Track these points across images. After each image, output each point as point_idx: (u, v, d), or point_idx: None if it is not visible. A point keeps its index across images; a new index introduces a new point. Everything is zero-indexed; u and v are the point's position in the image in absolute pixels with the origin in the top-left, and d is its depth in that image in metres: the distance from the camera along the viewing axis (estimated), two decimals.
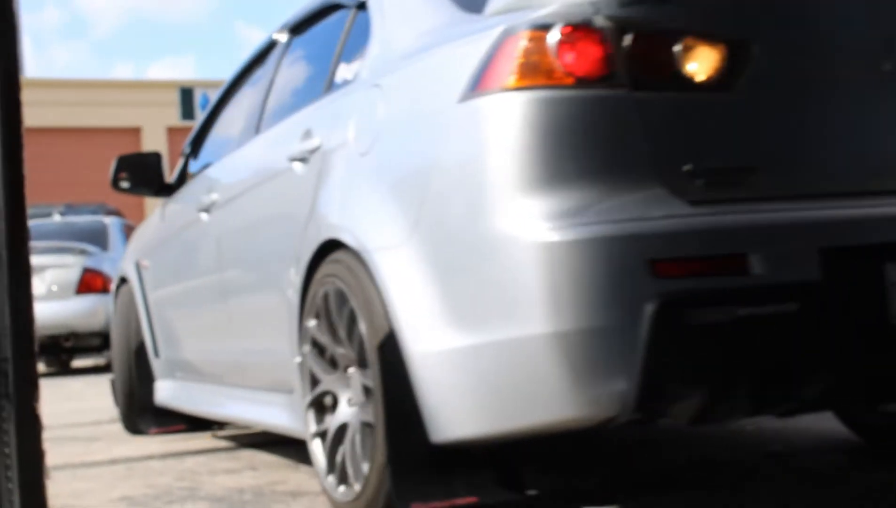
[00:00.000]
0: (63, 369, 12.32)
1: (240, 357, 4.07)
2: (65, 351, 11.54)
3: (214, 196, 4.24)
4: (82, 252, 11.33)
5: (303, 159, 3.34)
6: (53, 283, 11.02)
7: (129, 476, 4.04)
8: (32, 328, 1.72)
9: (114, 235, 12.26)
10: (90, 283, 11.20)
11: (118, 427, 5.67)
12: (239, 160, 4.19)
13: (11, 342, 1.70)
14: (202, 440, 5.03)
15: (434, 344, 2.53)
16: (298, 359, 3.20)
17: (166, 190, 5.12)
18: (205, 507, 3.30)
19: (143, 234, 5.69)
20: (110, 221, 12.65)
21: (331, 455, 2.99)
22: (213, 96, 4.92)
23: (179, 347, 4.92)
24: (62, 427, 5.80)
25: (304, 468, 3.95)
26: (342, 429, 2.98)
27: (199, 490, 3.63)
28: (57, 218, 13.05)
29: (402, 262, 2.63)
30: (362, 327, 2.77)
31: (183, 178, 5.10)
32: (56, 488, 3.68)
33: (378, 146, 2.87)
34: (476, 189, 2.42)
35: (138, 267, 5.40)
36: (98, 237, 12.01)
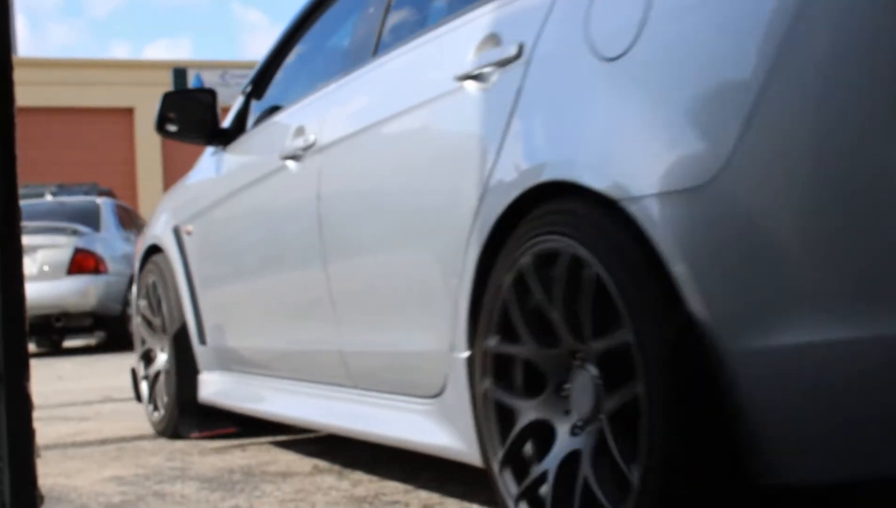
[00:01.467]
0: (54, 349, 12.31)
1: (345, 348, 3.14)
2: (56, 331, 11.55)
3: (310, 138, 3.25)
4: (74, 232, 11.32)
5: (479, 77, 2.46)
6: (45, 263, 11.01)
7: (120, 456, 4.05)
8: (23, 308, 1.73)
9: (106, 215, 12.24)
10: (82, 263, 11.19)
11: (109, 407, 5.69)
12: (352, 90, 3.21)
13: (2, 322, 1.70)
14: None
15: (798, 336, 1.68)
16: (463, 354, 2.44)
17: (221, 137, 4.15)
18: (195, 487, 3.32)
19: (183, 194, 4.59)
20: (102, 201, 12.63)
21: None
22: (283, 27, 4.03)
23: (240, 332, 3.98)
24: (53, 407, 5.81)
25: (293, 448, 3.96)
26: (563, 476, 2.11)
27: (190, 469, 3.64)
28: (49, 198, 13.02)
29: (710, 216, 1.79)
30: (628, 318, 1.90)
31: (242, 122, 4.12)
32: (46, 468, 3.69)
33: (647, 41, 1.95)
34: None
35: (178, 234, 4.38)
36: (90, 218, 11.98)
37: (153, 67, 26.61)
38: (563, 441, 2.13)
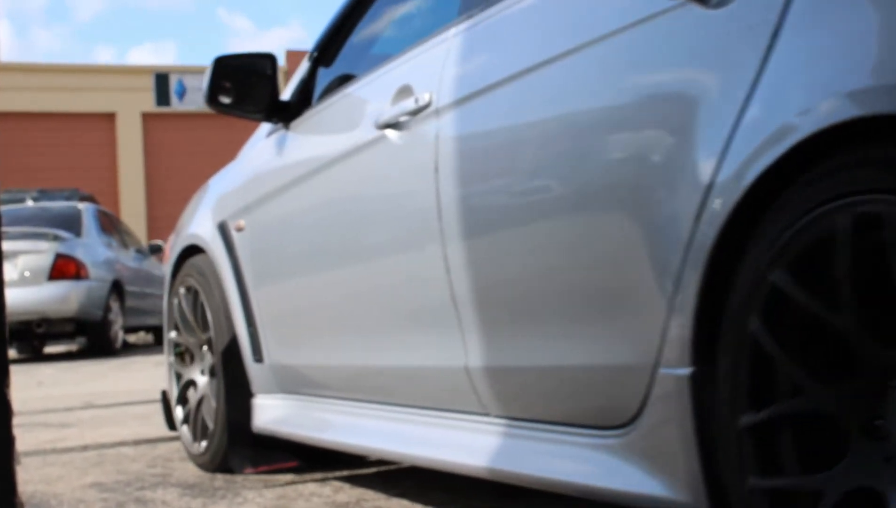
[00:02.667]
0: (35, 355, 12.26)
1: (474, 363, 2.39)
2: (37, 337, 11.50)
3: (421, 98, 2.51)
4: (55, 238, 11.28)
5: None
6: (26, 269, 10.97)
7: (101, 462, 4.04)
8: (3, 313, 1.72)
9: (87, 221, 12.21)
10: (63, 269, 11.15)
11: (90, 414, 5.66)
12: (487, 33, 2.40)
13: None
14: None
15: None
16: (682, 371, 1.78)
17: (283, 112, 3.36)
18: (176, 494, 3.31)
19: (231, 183, 3.75)
20: (84, 207, 12.59)
21: None
22: None
23: (313, 346, 3.21)
24: (33, 414, 5.78)
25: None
26: None
27: (171, 476, 3.63)
28: (30, 204, 12.97)
29: None
30: None
31: (308, 94, 3.35)
32: (27, 474, 3.68)
33: None
34: None
35: (225, 231, 3.63)
36: (71, 223, 11.95)
37: (135, 73, 26.54)
38: None
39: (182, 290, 3.92)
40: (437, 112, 2.46)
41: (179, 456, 4.06)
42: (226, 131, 26.26)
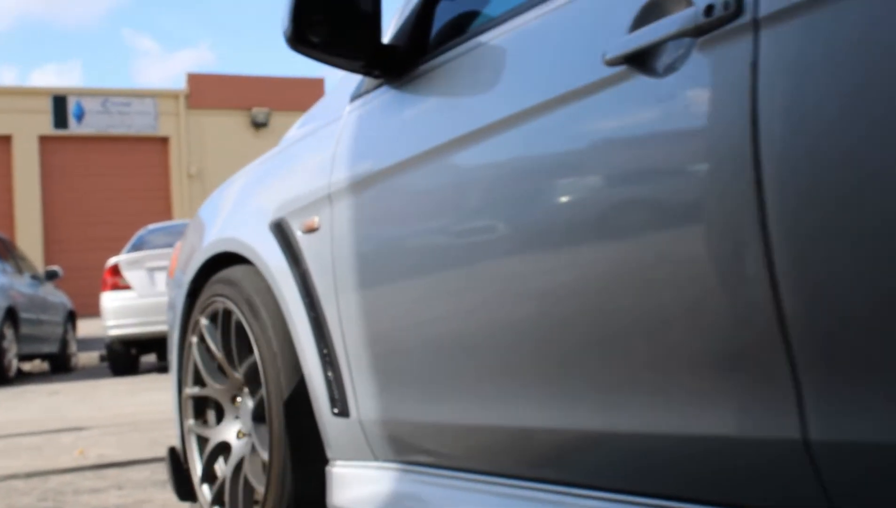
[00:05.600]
0: None
1: (818, 435, 1.42)
2: None
3: (718, 3, 1.52)
4: None
5: None
6: None
7: None
8: None
9: None
10: None
11: None
12: None
13: None
14: (68, 457, 4.92)
15: None
16: None
17: (388, 61, 2.32)
18: None
19: (289, 172, 2.74)
20: None
21: None
22: None
23: (446, 395, 2.11)
24: None
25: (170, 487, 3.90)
26: None
27: None
28: None
29: None
30: None
31: (421, 38, 2.34)
32: None
33: None
34: None
35: (284, 232, 2.59)
36: None
37: (32, 95, 26.04)
38: None
39: (204, 321, 2.89)
40: (754, 25, 1.48)
41: (72, 489, 3.98)
42: (124, 154, 25.93)
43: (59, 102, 25.58)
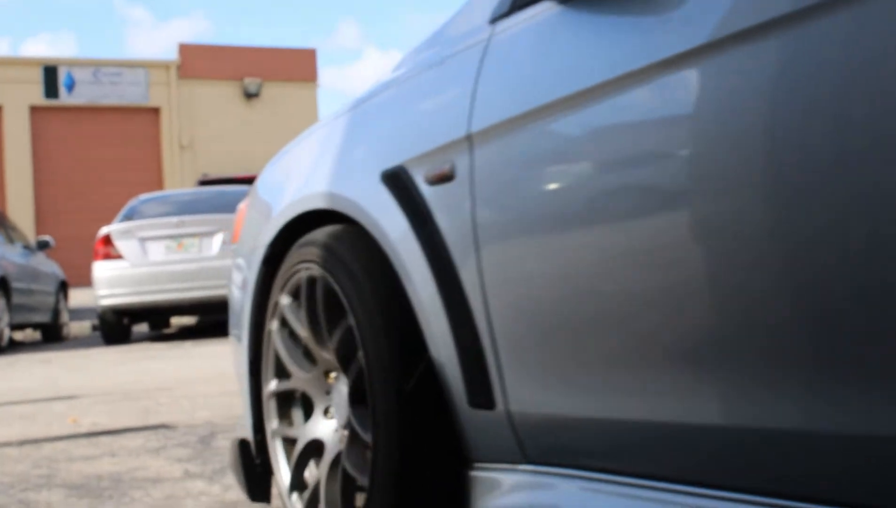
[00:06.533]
0: None
1: None
2: None
3: None
4: None
5: None
6: None
7: None
8: None
9: None
10: None
11: None
12: None
13: None
14: (61, 425, 4.94)
15: None
16: None
17: None
18: (62, 494, 3.26)
19: (409, 110, 2.22)
20: None
21: None
22: None
23: (619, 377, 1.64)
24: None
25: (164, 453, 3.92)
26: None
27: (56, 477, 3.58)
28: None
29: None
30: None
31: None
32: None
33: None
34: None
35: (403, 182, 2.11)
36: None
37: (23, 65, 25.91)
38: None
39: (285, 300, 2.44)
40: None
41: (66, 457, 4.00)
42: (115, 124, 25.84)
43: (50, 73, 25.46)
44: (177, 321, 14.00)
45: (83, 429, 4.78)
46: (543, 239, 1.77)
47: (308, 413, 2.47)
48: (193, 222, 10.98)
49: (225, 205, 11.50)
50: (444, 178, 2.01)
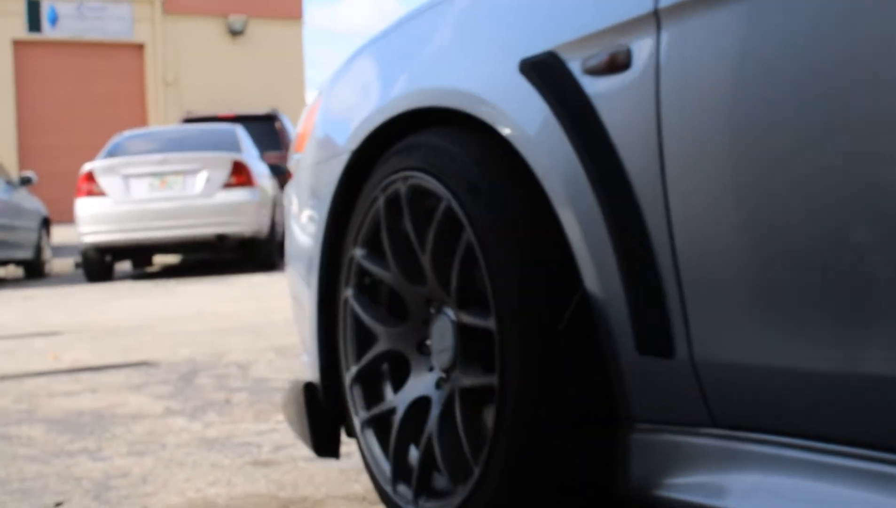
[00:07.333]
0: None
1: None
2: None
3: None
4: None
5: None
6: None
7: None
8: None
9: None
10: None
11: None
12: None
13: None
14: (42, 360, 4.93)
15: None
16: None
17: None
18: (42, 429, 3.26)
19: None
20: None
21: None
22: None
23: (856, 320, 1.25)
24: None
25: (145, 390, 3.92)
26: None
27: (37, 412, 3.58)
28: None
29: None
30: None
31: None
32: None
33: None
34: None
35: (554, 72, 1.63)
36: None
37: None
38: None
39: (360, 252, 2.06)
40: None
41: (46, 392, 3.99)
42: (99, 60, 25.58)
43: (33, 6, 25.14)
44: (160, 260, 13.97)
45: (64, 365, 4.77)
46: (751, 151, 1.36)
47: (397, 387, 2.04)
48: (177, 160, 10.91)
49: (209, 143, 11.43)
50: (616, 67, 1.55)
